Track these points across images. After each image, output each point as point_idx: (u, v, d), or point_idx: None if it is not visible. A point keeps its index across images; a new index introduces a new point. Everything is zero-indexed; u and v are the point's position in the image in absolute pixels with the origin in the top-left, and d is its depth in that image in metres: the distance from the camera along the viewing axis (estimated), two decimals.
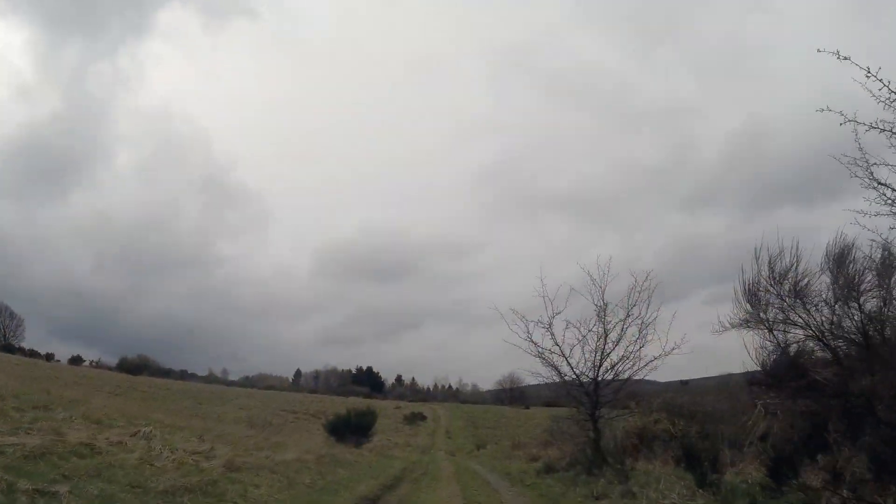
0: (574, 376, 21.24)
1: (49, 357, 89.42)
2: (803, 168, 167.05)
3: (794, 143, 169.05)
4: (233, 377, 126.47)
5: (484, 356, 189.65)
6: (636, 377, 21.10)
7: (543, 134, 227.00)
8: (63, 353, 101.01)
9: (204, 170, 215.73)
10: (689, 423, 23.71)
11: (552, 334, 21.15)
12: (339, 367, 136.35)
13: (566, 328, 21.10)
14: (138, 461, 12.71)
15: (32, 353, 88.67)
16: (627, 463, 17.31)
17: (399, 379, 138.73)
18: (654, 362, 20.53)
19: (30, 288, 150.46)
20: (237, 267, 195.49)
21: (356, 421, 35.37)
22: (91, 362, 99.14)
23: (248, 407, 64.45)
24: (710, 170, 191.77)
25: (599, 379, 21.05)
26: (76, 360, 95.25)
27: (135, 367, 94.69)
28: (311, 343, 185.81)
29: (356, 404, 42.11)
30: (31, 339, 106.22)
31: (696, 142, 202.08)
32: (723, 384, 35.00)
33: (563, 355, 21.17)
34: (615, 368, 20.97)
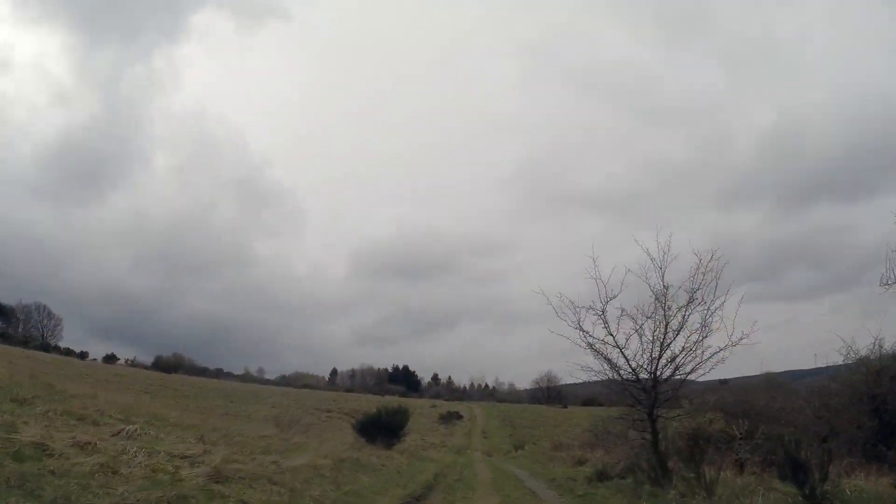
0: (630, 370, 18.17)
1: (83, 355, 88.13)
2: (840, 162, 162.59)
3: (829, 137, 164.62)
4: (269, 376, 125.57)
5: (520, 354, 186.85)
6: (700, 371, 17.86)
7: (574, 131, 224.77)
8: (102, 352, 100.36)
9: (239, 169, 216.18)
10: (753, 423, 20.72)
11: (605, 322, 18.12)
12: (376, 366, 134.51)
13: (621, 316, 18.08)
14: (96, 467, 9.85)
15: (68, 352, 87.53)
16: (706, 471, 13.96)
17: (435, 378, 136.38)
18: (721, 353, 17.32)
19: (69, 289, 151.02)
20: (273, 266, 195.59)
21: (387, 420, 32.36)
22: (126, 361, 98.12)
23: (281, 405, 62.12)
24: (743, 166, 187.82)
25: (659, 374, 17.96)
26: (110, 359, 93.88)
27: (169, 365, 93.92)
28: (347, 342, 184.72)
29: (391, 403, 38.95)
30: (71, 338, 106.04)
31: (728, 137, 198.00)
32: (769, 383, 32.91)
33: (618, 346, 18.15)
34: (675, 361, 17.84)
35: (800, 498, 11.05)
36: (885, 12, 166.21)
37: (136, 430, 14.87)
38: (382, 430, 31.33)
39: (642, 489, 14.93)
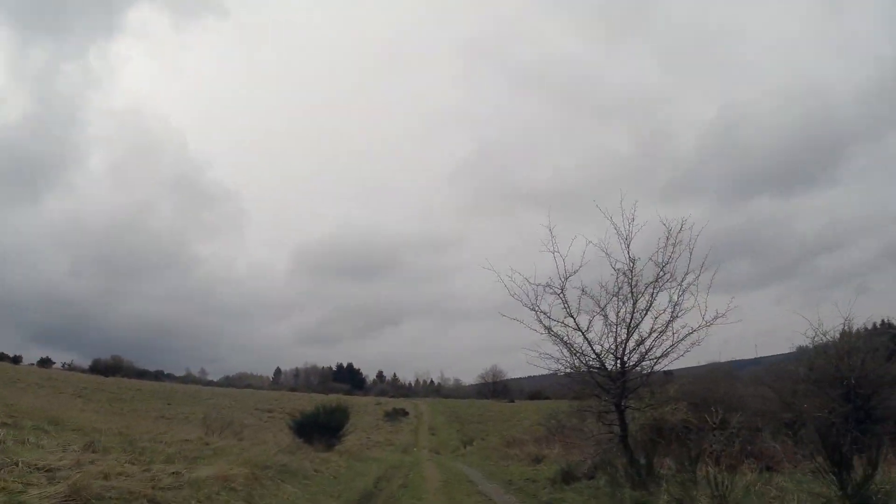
0: (594, 356, 15.63)
1: (17, 360, 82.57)
2: (780, 156, 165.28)
3: (769, 131, 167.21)
4: (213, 377, 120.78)
5: (466, 350, 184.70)
6: (673, 356, 15.44)
7: (519, 127, 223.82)
8: (40, 358, 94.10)
9: (178, 169, 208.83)
10: (720, 412, 18.45)
11: (565, 302, 15.59)
12: (320, 365, 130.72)
13: (581, 295, 15.56)
14: None
15: (1, 357, 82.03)
16: (712, 473, 11.13)
17: (380, 375, 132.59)
18: (695, 335, 14.96)
19: (5, 294, 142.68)
20: (215, 267, 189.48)
21: (326, 419, 29.23)
22: (64, 364, 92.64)
23: (221, 406, 59.12)
24: (686, 160, 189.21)
25: (626, 359, 15.49)
26: (45, 363, 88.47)
27: (108, 368, 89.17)
28: (291, 342, 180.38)
29: (330, 401, 35.68)
30: (7, 344, 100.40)
31: (671, 131, 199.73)
32: (714, 373, 30.18)
33: (580, 329, 15.61)
34: (644, 345, 15.36)
35: (838, 493, 8.41)
36: (823, 9, 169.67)
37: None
38: (321, 429, 28.26)
39: (622, 493, 12.26)
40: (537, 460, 21.53)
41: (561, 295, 15.61)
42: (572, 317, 15.63)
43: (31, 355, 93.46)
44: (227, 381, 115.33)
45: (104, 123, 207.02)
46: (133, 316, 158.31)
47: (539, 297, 15.62)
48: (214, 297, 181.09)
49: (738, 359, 36.57)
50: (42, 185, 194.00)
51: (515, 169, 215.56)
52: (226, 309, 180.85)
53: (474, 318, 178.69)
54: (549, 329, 15.86)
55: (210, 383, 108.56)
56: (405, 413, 71.50)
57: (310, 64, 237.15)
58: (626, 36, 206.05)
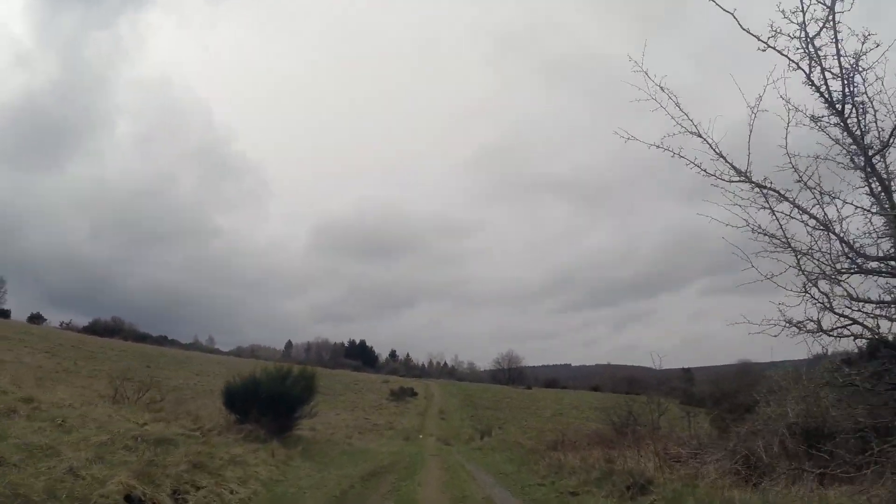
0: None
1: (6, 314, 72.99)
2: (807, 159, 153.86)
3: (798, 136, 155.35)
4: (227, 348, 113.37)
5: (480, 336, 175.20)
6: None
7: (543, 118, 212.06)
8: (57, 320, 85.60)
9: (202, 141, 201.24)
10: None
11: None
12: (332, 340, 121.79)
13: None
14: None
15: None
16: None
17: (393, 354, 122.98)
18: None
19: (25, 255, 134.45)
20: (233, 239, 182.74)
21: (273, 389, 17.65)
22: (61, 323, 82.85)
23: (206, 373, 55.27)
24: (712, 159, 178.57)
25: None
26: (36, 318, 78.99)
27: (106, 329, 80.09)
28: (306, 317, 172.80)
29: (298, 368, 24.32)
30: (21, 304, 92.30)
31: (699, 130, 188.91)
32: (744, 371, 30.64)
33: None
34: None
35: None
36: (855, 14, 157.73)
37: None
38: (267, 405, 17.01)
39: None
40: (641, 488, 10.05)
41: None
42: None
43: (49, 317, 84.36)
44: (238, 352, 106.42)
45: (131, 92, 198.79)
46: (150, 283, 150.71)
47: None
48: (232, 269, 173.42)
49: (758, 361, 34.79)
50: (67, 151, 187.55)
51: (538, 159, 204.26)
52: (243, 281, 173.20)
53: (491, 304, 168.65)
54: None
55: (215, 352, 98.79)
56: (413, 393, 60.95)
57: (340, 44, 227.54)
58: (657, 31, 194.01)
